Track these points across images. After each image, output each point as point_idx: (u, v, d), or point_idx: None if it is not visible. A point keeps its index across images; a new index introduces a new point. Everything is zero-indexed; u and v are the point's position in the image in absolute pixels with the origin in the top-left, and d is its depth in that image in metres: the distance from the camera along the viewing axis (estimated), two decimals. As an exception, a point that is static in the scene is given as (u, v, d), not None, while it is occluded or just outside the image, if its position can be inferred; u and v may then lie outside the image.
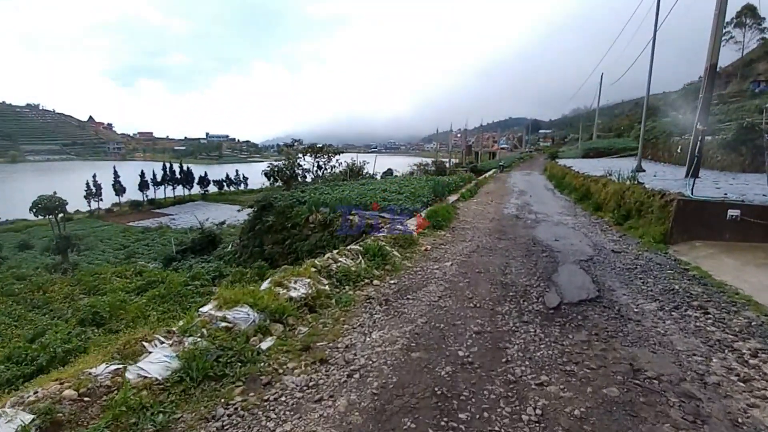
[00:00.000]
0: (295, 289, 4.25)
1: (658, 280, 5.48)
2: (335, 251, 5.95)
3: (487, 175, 27.51)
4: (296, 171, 17.09)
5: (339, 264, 5.30)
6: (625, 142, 32.53)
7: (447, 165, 29.19)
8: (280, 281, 4.32)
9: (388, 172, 30.51)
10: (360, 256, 5.88)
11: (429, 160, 25.36)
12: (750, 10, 60.38)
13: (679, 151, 21.08)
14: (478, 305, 4.46)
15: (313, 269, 4.92)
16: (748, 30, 60.35)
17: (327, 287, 4.63)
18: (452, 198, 14.33)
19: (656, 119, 39.31)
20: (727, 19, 65.46)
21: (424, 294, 4.83)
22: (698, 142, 10.58)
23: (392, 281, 5.37)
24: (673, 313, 4.33)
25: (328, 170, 20.54)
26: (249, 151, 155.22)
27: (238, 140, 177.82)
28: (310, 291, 4.32)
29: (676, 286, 5.21)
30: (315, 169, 20.19)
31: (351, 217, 10.62)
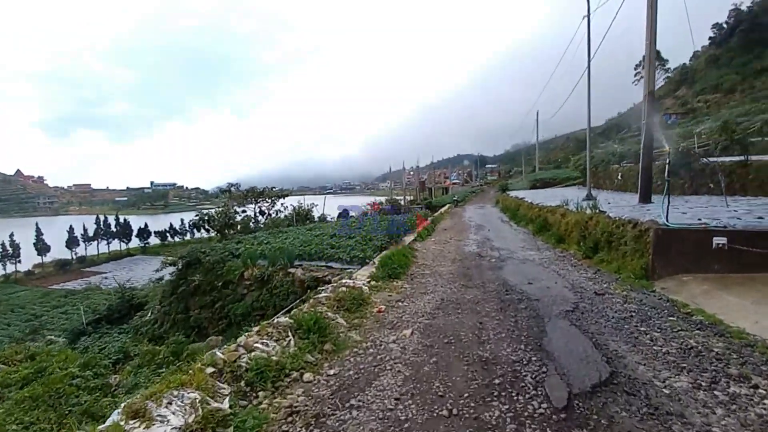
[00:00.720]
0: (162, 420, 2.59)
1: (665, 333, 4.37)
2: (255, 330, 4.29)
3: (442, 210, 26.93)
4: (232, 219, 15.21)
5: (255, 354, 3.67)
6: (566, 173, 33.76)
7: (402, 203, 28.35)
8: (139, 409, 2.64)
9: (344, 214, 29.24)
10: (290, 334, 4.28)
11: (383, 199, 24.33)
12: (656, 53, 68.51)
13: (619, 177, 21.69)
14: (454, 411, 2.99)
15: (210, 370, 3.28)
16: (656, 70, 68.16)
17: (226, 402, 2.99)
18: (409, 238, 13.12)
19: (593, 149, 41.90)
20: (635, 61, 73.21)
21: (375, 395, 3.29)
22: (666, 165, 10.25)
23: (332, 371, 3.79)
24: (715, 391, 3.15)
25: (272, 215, 18.77)
26: (198, 198, 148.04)
27: (186, 188, 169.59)
28: (191, 418, 2.68)
29: (692, 342, 4.12)
30: (257, 215, 18.36)
31: (293, 271, 8.98)
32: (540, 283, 6.94)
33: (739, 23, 76.71)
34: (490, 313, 5.40)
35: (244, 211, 17.98)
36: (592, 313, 5.13)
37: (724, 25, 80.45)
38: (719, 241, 5.65)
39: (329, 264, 9.22)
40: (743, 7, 77.94)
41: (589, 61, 15.35)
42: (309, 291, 8.43)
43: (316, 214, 21.74)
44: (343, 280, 6.68)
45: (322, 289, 6.56)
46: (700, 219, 6.90)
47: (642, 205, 11.63)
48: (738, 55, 70.67)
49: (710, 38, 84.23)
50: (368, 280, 7.23)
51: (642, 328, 4.56)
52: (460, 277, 7.80)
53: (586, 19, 15.32)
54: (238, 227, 15.19)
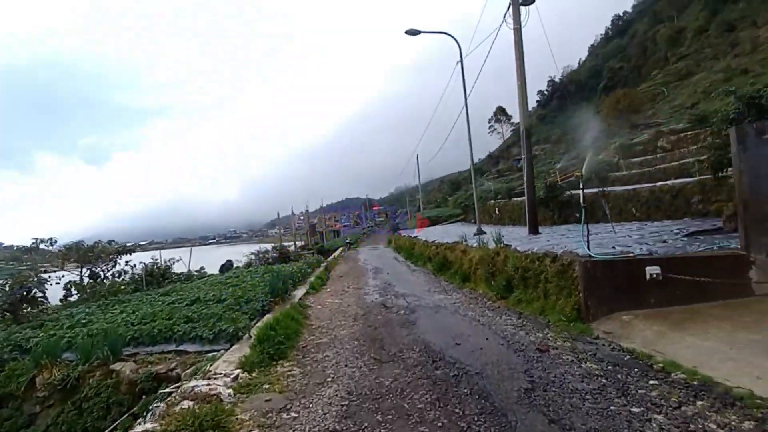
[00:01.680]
0: None
1: (662, 410, 3.09)
2: None
3: (335, 254, 24.96)
4: (32, 291, 10.46)
5: None
6: (448, 210, 35.38)
7: (292, 249, 25.44)
8: None
9: (228, 265, 24.92)
10: None
11: (269, 246, 21.28)
12: (501, 110, 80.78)
13: (497, 212, 22.97)
14: None
15: None
16: (504, 124, 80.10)
17: None
18: (299, 292, 10.73)
19: (467, 188, 45.51)
20: (488, 116, 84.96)
21: None
22: (581, 192, 10.12)
23: None
24: None
25: (109, 279, 14.12)
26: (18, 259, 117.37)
27: (17, 246, 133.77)
28: None
29: (688, 410, 2.90)
30: (84, 279, 13.51)
31: (119, 367, 5.83)
32: (468, 341, 5.40)
33: (555, 91, 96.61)
34: (424, 413, 3.50)
35: (61, 277, 12.92)
36: (558, 389, 3.65)
37: (545, 92, 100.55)
38: (653, 271, 4.91)
39: (181, 347, 6.33)
40: (556, 79, 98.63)
41: (465, 100, 15.84)
42: (144, 397, 5.43)
43: (183, 269, 17.61)
44: (190, 384, 4.09)
45: (156, 406, 3.87)
46: (614, 247, 6.35)
47: (532, 236, 11.55)
48: (558, 115, 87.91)
49: (537, 101, 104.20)
50: (236, 371, 4.73)
51: (623, 405, 3.21)
52: (369, 344, 5.82)
53: (459, 65, 15.97)
54: (42, 303, 10.48)
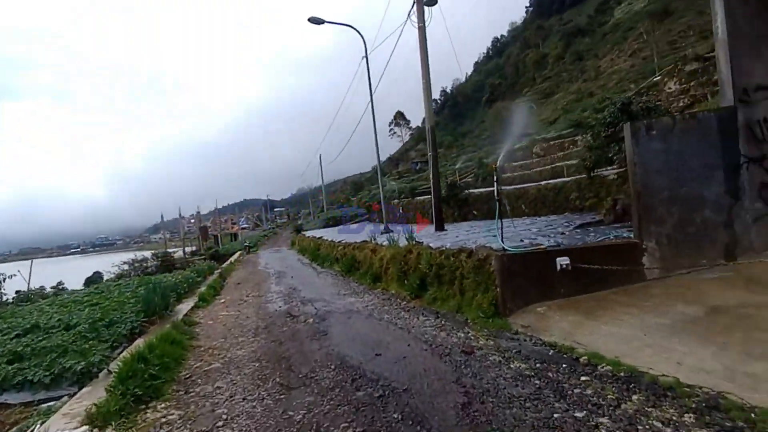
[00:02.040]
0: None
1: (595, 411, 2.88)
2: None
3: (232, 259, 22.51)
4: None
5: None
6: (352, 210, 35.03)
7: (179, 255, 22.18)
8: None
9: (97, 278, 20.38)
10: None
11: (148, 254, 18.05)
12: (401, 115, 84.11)
13: (401, 211, 23.33)
14: None
15: None
16: (403, 128, 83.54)
17: None
18: (185, 306, 8.97)
19: (370, 188, 45.81)
20: (390, 118, 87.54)
21: None
22: (495, 185, 10.19)
23: None
24: None
25: None
26: None
27: None
28: None
29: (628, 408, 2.75)
30: None
31: None
32: (389, 349, 4.80)
33: (447, 100, 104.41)
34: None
35: None
36: (495, 399, 3.24)
37: (438, 101, 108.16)
38: (563, 261, 4.97)
39: (1, 399, 4.46)
40: (448, 90, 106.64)
41: (371, 95, 15.50)
42: None
43: (19, 287, 13.72)
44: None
45: None
46: (522, 240, 6.45)
47: (439, 233, 11.65)
48: (449, 123, 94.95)
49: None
50: (81, 430, 3.34)
51: (577, 414, 2.91)
52: (273, 366, 4.81)
53: (364, 59, 15.56)
54: None
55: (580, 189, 10.73)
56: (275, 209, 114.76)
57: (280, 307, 8.70)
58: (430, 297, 6.96)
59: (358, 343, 5.24)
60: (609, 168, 8.00)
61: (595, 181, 10.28)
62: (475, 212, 16.12)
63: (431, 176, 12.13)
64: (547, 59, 72.73)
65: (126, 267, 16.26)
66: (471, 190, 17.17)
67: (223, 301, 10.10)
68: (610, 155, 7.00)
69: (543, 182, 12.78)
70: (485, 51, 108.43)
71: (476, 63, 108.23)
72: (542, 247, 5.47)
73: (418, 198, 21.40)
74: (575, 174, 12.96)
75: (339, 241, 14.99)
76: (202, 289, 11.07)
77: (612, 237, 5.71)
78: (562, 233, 6.97)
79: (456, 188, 17.39)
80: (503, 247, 5.64)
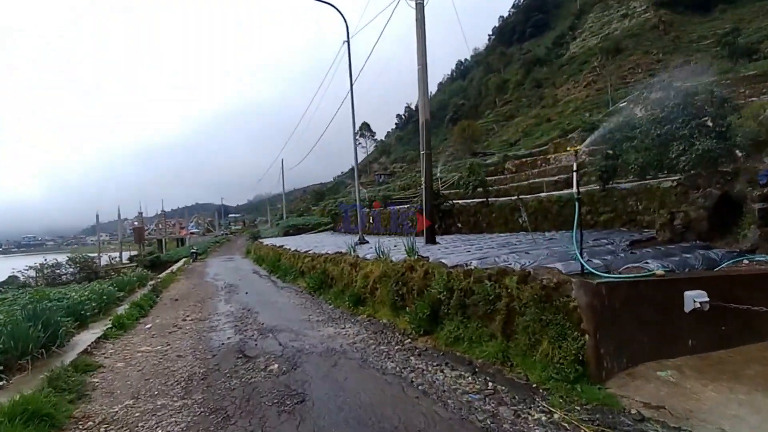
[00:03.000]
0: None
1: None
2: None
3: (175, 267, 19.09)
4: None
5: None
6: (316, 219, 32.38)
7: (108, 261, 18.47)
8: None
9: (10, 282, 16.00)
10: None
11: (63, 258, 14.40)
12: (366, 126, 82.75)
13: (371, 221, 21.24)
14: None
15: None
16: (368, 139, 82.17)
17: None
18: (89, 336, 6.19)
19: (333, 198, 43.30)
20: (356, 129, 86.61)
21: None
22: (575, 182, 8.34)
23: None
24: None
25: None
26: None
27: None
28: None
29: None
30: None
31: None
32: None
33: (411, 116, 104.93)
34: None
35: None
36: None
37: (403, 116, 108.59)
38: (698, 298, 3.13)
39: None
40: (412, 106, 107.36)
41: (351, 84, 13.46)
42: None
43: None
44: None
45: None
46: (588, 259, 4.58)
47: (430, 246, 9.73)
48: (412, 138, 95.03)
49: (396, 124, 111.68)
50: None
51: None
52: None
53: (345, 44, 13.52)
54: None
55: (593, 202, 9.29)
56: (230, 215, 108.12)
57: (229, 338, 6.21)
58: (449, 335, 4.88)
59: (362, 426, 3.03)
60: (661, 175, 6.53)
61: (612, 193, 8.88)
62: (459, 224, 14.40)
63: (422, 179, 10.21)
64: (508, 84, 75.06)
65: (32, 273, 12.63)
66: (454, 201, 15.48)
67: (149, 326, 7.34)
68: (671, 156, 5.44)
69: (544, 194, 11.32)
70: (449, 72, 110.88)
71: (440, 83, 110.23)
72: (659, 273, 3.59)
73: (393, 208, 19.44)
74: (561, 189, 11.72)
75: (305, 252, 12.56)
76: (123, 308, 8.19)
77: (746, 261, 4.03)
78: (612, 252, 5.25)
79: (439, 197, 15.63)
80: (589, 270, 3.73)
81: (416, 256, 6.47)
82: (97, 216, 34.40)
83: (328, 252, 10.82)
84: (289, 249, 14.74)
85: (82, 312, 6.71)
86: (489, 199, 12.96)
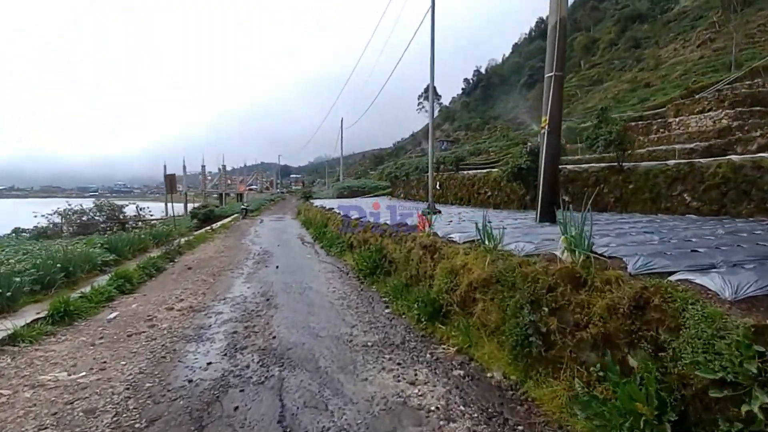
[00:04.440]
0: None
1: None
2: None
3: (218, 224, 17.33)
4: None
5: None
6: (373, 182, 29.33)
7: (139, 211, 16.66)
8: None
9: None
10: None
11: (89, 203, 12.73)
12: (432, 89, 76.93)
13: (438, 187, 17.59)
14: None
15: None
16: (434, 102, 76.57)
17: None
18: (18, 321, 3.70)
19: (395, 161, 39.83)
20: (419, 92, 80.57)
21: None
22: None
23: None
24: None
25: None
26: None
27: None
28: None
29: None
30: None
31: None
32: None
33: (480, 80, 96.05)
34: None
35: None
36: None
37: (470, 81, 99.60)
38: None
39: None
40: (482, 69, 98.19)
41: (433, 25, 9.57)
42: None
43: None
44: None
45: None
46: None
47: (542, 224, 6.06)
48: (479, 105, 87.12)
49: (462, 89, 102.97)
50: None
51: None
52: None
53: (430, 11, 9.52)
54: None
55: None
56: (291, 175, 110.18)
57: (204, 368, 3.31)
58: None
59: None
60: None
61: None
62: (565, 197, 10.30)
63: (544, 122, 6.33)
64: (598, 44, 64.21)
65: (57, 219, 11.03)
66: (584, 166, 11.17)
67: (112, 317, 4.73)
68: None
69: (733, 157, 6.85)
70: (527, 32, 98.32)
71: (515, 44, 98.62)
72: None
73: (466, 173, 15.56)
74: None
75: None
76: (102, 279, 5.73)
77: None
78: None
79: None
80: None
81: (583, 255, 2.90)
82: (165, 167, 34.56)
83: (386, 222, 7.60)
84: (339, 214, 11.78)
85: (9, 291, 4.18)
86: (623, 164, 8.67)
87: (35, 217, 10.76)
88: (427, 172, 18.50)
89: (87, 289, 5.04)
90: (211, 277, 7.05)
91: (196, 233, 12.20)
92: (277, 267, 7.98)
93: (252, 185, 49.59)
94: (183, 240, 10.29)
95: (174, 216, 12.57)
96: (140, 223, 11.90)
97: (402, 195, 22.36)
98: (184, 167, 38.51)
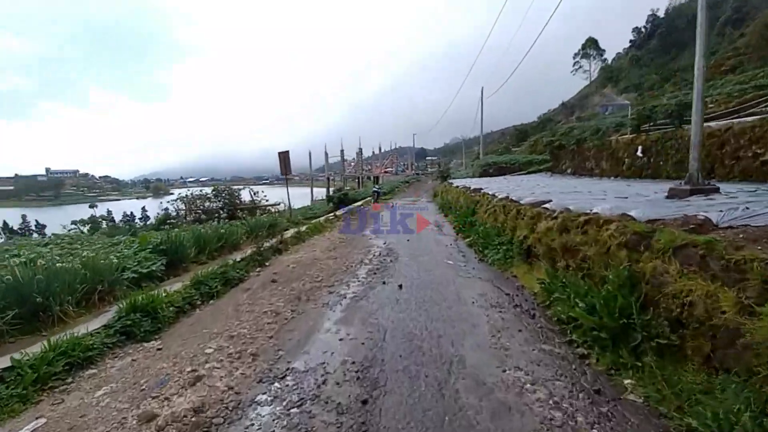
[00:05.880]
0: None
1: None
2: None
3: (348, 208, 15.45)
4: None
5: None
6: (526, 157, 23.48)
7: (252, 195, 15.61)
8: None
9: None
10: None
11: (209, 190, 11.90)
12: (593, 43, 62.23)
13: (640, 154, 11.42)
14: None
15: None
16: (594, 60, 61.93)
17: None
18: None
19: (552, 128, 32.25)
20: (575, 50, 66.69)
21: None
22: None
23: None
24: None
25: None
26: (102, 188, 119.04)
27: (93, 176, 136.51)
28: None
29: None
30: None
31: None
32: None
33: (657, 27, 73.69)
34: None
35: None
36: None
37: (643, 30, 77.16)
38: None
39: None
40: (660, 13, 75.37)
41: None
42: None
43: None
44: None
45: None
46: None
47: None
48: (656, 57, 67.07)
49: (631, 41, 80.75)
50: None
51: None
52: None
53: None
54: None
55: None
56: (427, 158, 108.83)
57: None
58: None
59: None
60: None
61: None
62: None
63: None
64: None
65: (182, 206, 10.37)
66: None
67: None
68: None
69: None
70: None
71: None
72: None
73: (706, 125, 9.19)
74: None
75: (532, 203, 5.34)
76: (120, 305, 3.36)
77: None
78: None
79: None
80: None
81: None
82: (309, 154, 36.19)
83: (611, 213, 3.32)
84: (495, 196, 7.74)
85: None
86: None
87: (164, 204, 10.32)
88: (623, 134, 12.57)
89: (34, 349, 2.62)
90: (292, 303, 4.18)
91: (312, 221, 10.05)
92: (400, 287, 4.65)
93: (388, 168, 49.08)
94: (291, 232, 8.05)
95: (290, 201, 10.69)
96: (257, 210, 10.39)
97: (570, 170, 16.48)
98: (326, 153, 40.01)
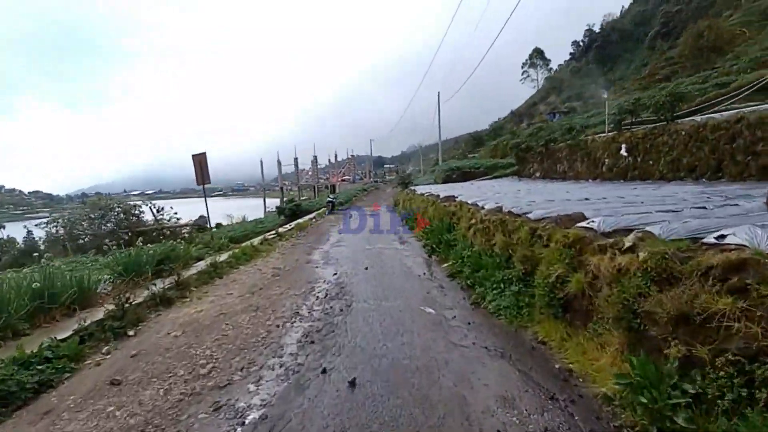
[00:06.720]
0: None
1: None
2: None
3: (297, 222, 13.02)
4: None
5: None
6: (489, 161, 22.16)
7: (155, 215, 12.87)
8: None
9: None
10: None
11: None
12: (539, 53, 64.56)
13: (625, 154, 10.17)
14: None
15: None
16: (540, 69, 64.16)
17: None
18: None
19: (515, 129, 31.65)
20: (523, 59, 68.89)
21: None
22: None
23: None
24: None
25: None
26: (32, 204, 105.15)
27: (20, 192, 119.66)
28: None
29: None
30: None
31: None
32: None
33: (593, 41, 78.68)
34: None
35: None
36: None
37: (581, 43, 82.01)
38: None
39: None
40: (595, 28, 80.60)
41: None
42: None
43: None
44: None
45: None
46: None
47: None
48: (594, 69, 71.39)
49: (571, 53, 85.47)
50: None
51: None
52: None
53: None
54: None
55: None
56: (384, 165, 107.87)
57: None
58: None
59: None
60: None
61: None
62: None
63: None
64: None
65: (61, 231, 7.39)
66: None
67: None
68: None
69: None
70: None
71: (642, -12, 77.97)
72: None
73: (699, 118, 8.03)
74: None
75: (543, 216, 3.42)
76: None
77: None
78: None
79: None
80: None
81: None
82: (260, 166, 33.08)
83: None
84: (480, 207, 5.80)
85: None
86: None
87: (37, 227, 7.32)
88: (600, 134, 11.36)
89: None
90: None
91: (242, 245, 7.52)
92: (351, 383, 2.45)
93: (345, 176, 46.77)
94: (204, 264, 5.56)
95: (209, 219, 8.08)
96: (166, 231, 7.67)
97: (539, 174, 15.25)
98: (279, 162, 36.92)
